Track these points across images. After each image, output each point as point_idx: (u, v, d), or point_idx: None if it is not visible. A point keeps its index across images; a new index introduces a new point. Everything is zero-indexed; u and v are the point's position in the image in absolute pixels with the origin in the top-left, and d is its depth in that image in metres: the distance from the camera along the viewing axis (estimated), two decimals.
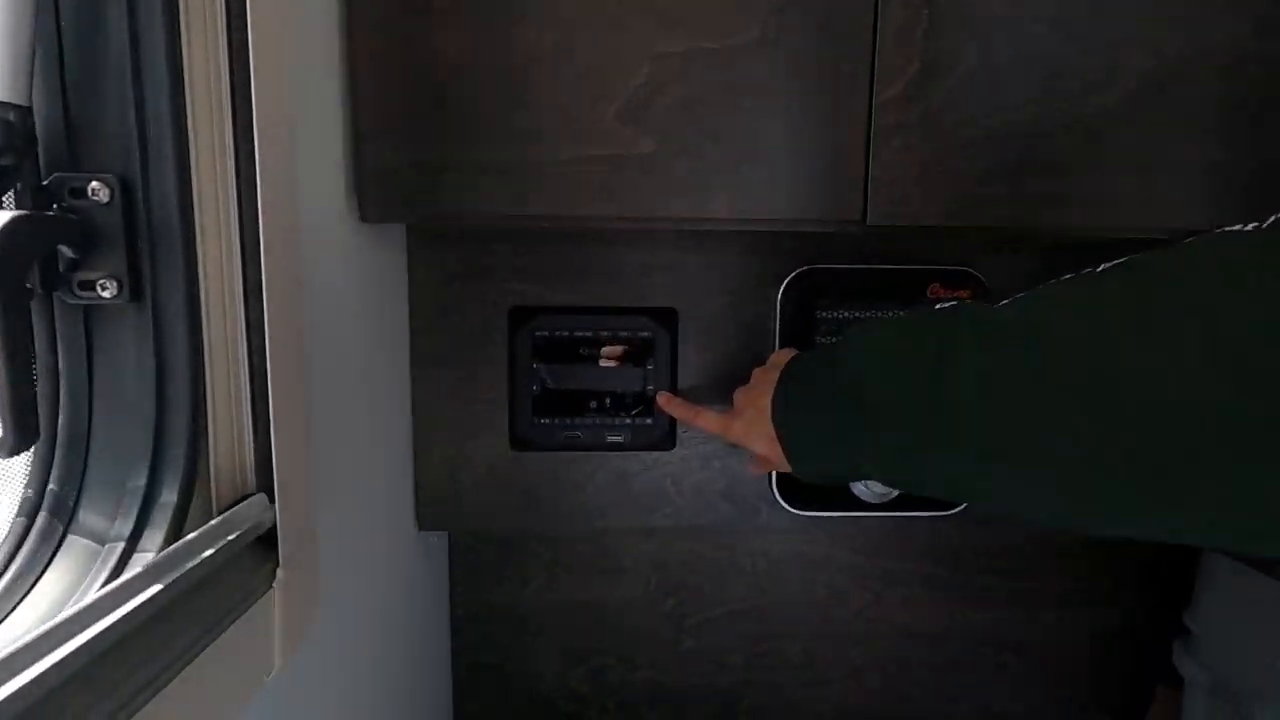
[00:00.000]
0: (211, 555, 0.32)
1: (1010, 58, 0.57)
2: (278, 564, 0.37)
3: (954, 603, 0.96)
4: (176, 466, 0.34)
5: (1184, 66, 0.58)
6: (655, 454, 0.77)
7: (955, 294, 0.75)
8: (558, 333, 0.74)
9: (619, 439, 0.76)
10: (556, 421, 0.75)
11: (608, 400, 0.75)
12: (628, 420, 0.76)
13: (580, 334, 0.74)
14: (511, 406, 0.75)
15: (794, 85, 0.57)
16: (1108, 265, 0.39)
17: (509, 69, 0.56)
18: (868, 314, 0.77)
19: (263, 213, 0.35)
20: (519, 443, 0.75)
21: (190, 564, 0.32)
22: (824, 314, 0.76)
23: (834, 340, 0.52)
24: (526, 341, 0.74)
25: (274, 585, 0.36)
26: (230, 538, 0.34)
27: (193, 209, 0.34)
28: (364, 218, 0.59)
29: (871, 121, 0.58)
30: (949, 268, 0.76)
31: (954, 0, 0.56)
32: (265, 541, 0.38)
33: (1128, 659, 0.98)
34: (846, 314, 0.76)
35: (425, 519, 0.76)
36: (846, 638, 0.96)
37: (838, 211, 0.59)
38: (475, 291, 0.74)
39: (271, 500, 0.37)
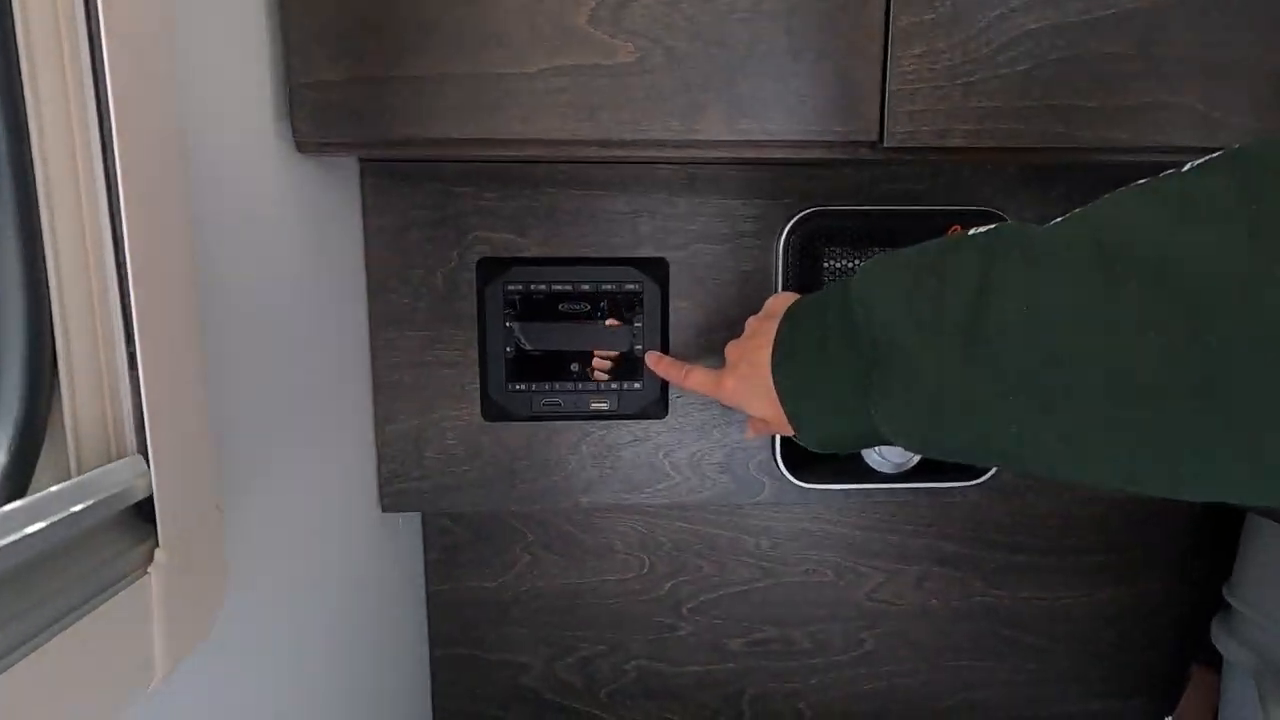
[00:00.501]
0: (49, 527, 0.24)
1: None
2: (156, 543, 0.29)
3: (972, 580, 0.88)
4: (8, 416, 0.26)
5: None
6: (645, 423, 0.69)
7: None
8: (533, 287, 0.66)
9: (604, 406, 0.68)
10: (534, 387, 0.67)
11: (592, 362, 0.67)
12: (614, 385, 0.68)
13: (559, 288, 0.66)
14: (483, 371, 0.67)
15: None
16: (1195, 163, 0.31)
17: None
18: None
19: (118, 127, 0.27)
20: (492, 412, 0.67)
21: (26, 531, 0.24)
22: (832, 262, 0.68)
23: (844, 279, 0.44)
24: (498, 297, 0.66)
25: (150, 569, 0.29)
26: (86, 504, 0.26)
27: (23, 119, 0.26)
28: (299, 147, 0.51)
29: (889, 23, 0.49)
30: (971, 207, 0.67)
31: None
32: (145, 514, 0.30)
33: (1161, 638, 0.91)
34: (856, 262, 0.68)
35: (389, 499, 0.68)
36: (857, 620, 0.89)
37: (850, 131, 0.50)
38: (440, 241, 0.66)
39: (149, 463, 0.29)
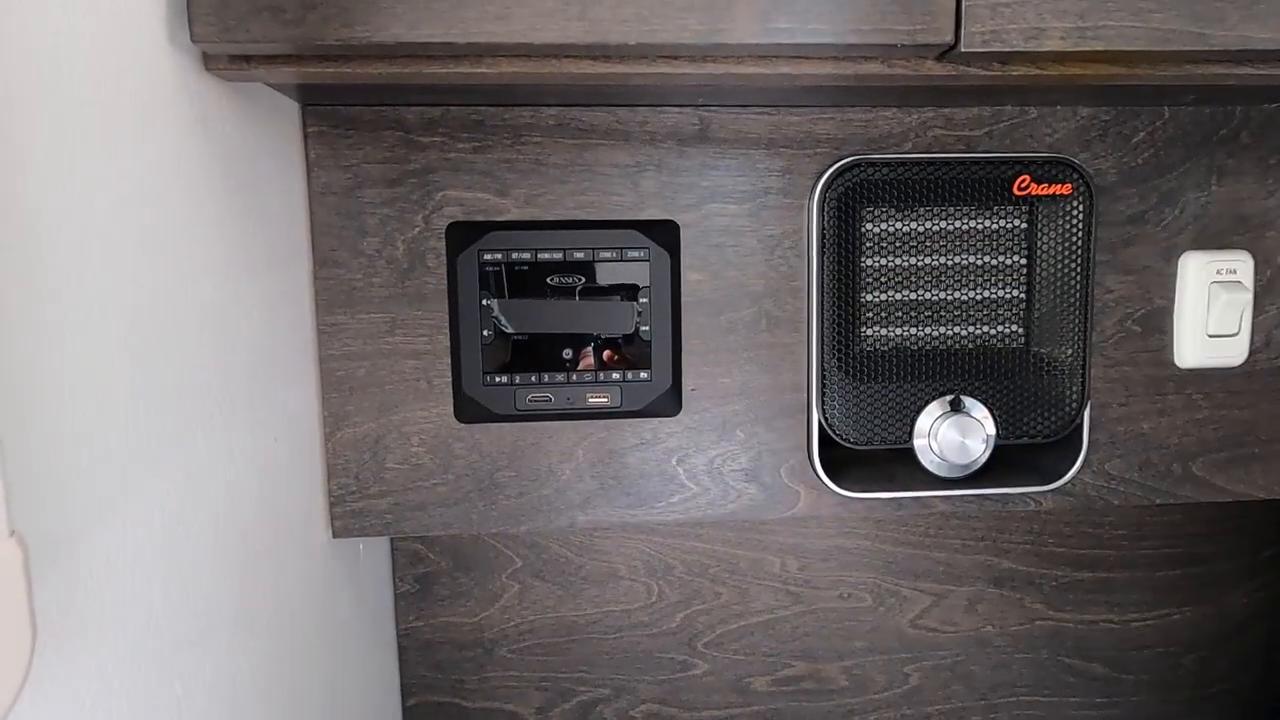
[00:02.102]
0: None
1: None
2: None
3: (1032, 602, 0.76)
4: None
5: None
6: (655, 421, 0.57)
7: (1051, 189, 0.56)
8: (515, 256, 0.54)
9: (605, 401, 0.56)
10: (518, 380, 0.55)
11: (588, 348, 0.55)
12: (616, 376, 0.56)
13: (546, 257, 0.54)
14: (455, 361, 0.55)
15: None
16: None
17: None
18: (934, 224, 0.57)
19: None
20: (468, 411, 0.55)
21: None
22: (875, 225, 0.57)
23: None
24: (473, 269, 0.54)
25: None
26: None
27: None
28: (206, 62, 0.39)
29: None
30: (1041, 155, 0.56)
31: None
32: None
33: (1249, 664, 0.79)
34: (907, 225, 0.57)
35: (340, 522, 0.55)
36: (900, 652, 0.76)
37: (918, 31, 0.39)
38: (401, 202, 0.54)
39: None
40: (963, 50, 0.40)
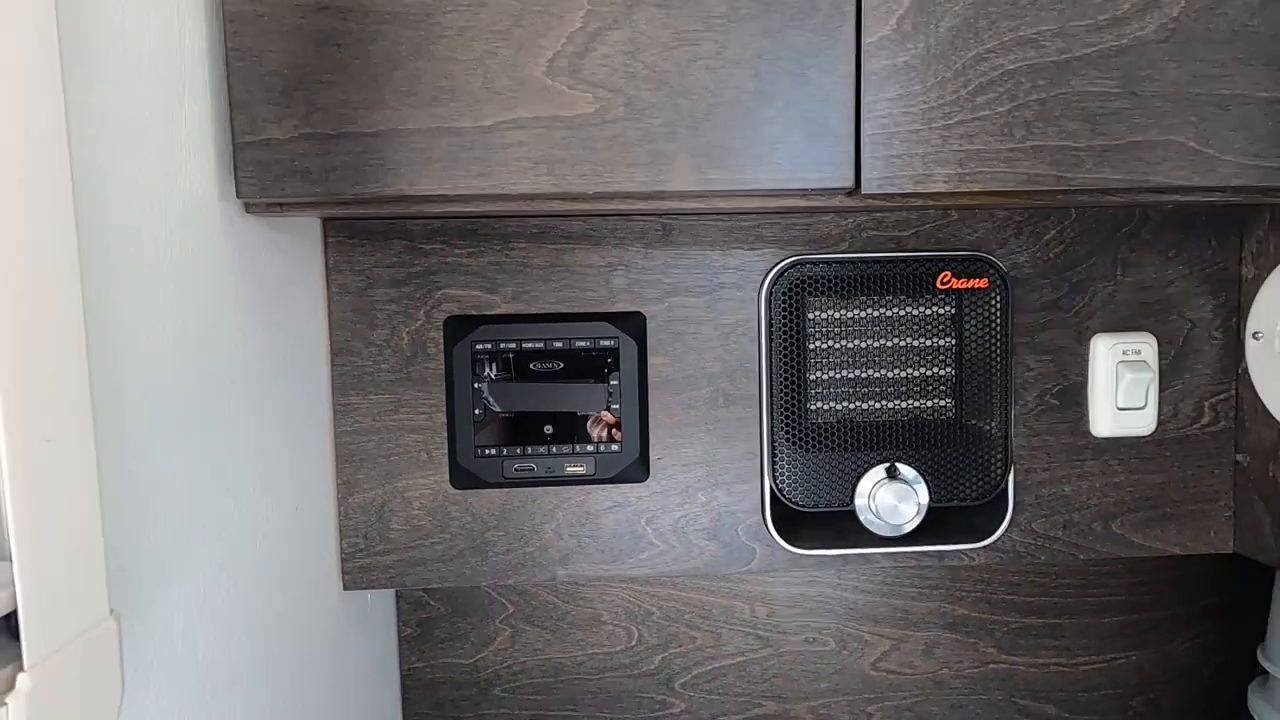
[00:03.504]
0: None
1: None
2: (21, 667, 0.25)
3: (985, 646, 0.82)
4: None
5: None
6: (625, 487, 0.65)
7: (969, 283, 0.64)
8: (503, 345, 0.63)
9: (581, 470, 0.64)
10: (505, 452, 0.63)
11: (566, 425, 0.64)
12: (590, 448, 0.64)
13: (530, 346, 0.63)
14: (451, 436, 0.63)
15: (762, 26, 0.46)
16: None
17: (416, 17, 0.46)
18: (868, 312, 0.65)
19: None
20: (461, 479, 0.63)
21: None
22: (817, 313, 0.65)
23: None
24: (466, 357, 0.63)
25: (8, 699, 0.24)
26: None
27: None
28: (247, 208, 0.49)
29: (860, 67, 0.47)
30: (961, 253, 0.65)
31: None
32: (12, 631, 0.26)
33: (1193, 705, 0.84)
34: (845, 313, 0.65)
35: (350, 576, 0.63)
36: (863, 693, 0.82)
37: (825, 178, 0.48)
38: (405, 300, 0.63)
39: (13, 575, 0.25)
40: (863, 193, 0.48)
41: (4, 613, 0.25)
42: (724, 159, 0.47)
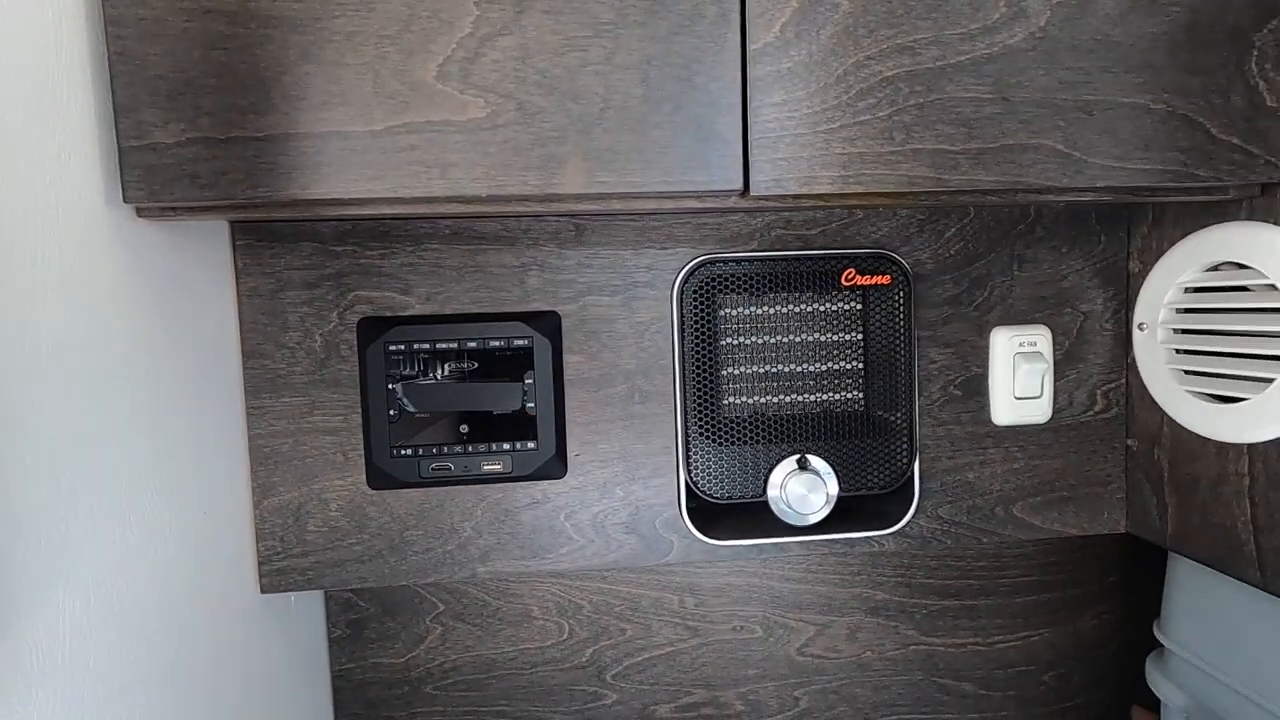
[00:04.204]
0: None
1: None
2: None
3: (906, 629, 0.86)
4: None
5: None
6: (543, 483, 0.66)
7: (873, 280, 0.67)
8: (417, 346, 0.63)
9: (498, 468, 0.65)
10: (421, 451, 0.64)
11: (482, 424, 0.64)
12: (507, 446, 0.65)
13: (443, 346, 0.64)
14: (366, 437, 0.64)
15: (649, 31, 0.48)
16: None
17: (304, 20, 0.46)
18: (778, 309, 0.67)
19: None
20: (378, 479, 0.64)
21: None
22: (729, 310, 0.67)
23: None
24: (380, 358, 0.63)
25: None
26: None
27: None
28: (139, 212, 0.48)
29: (745, 72, 0.49)
30: (865, 250, 0.67)
31: None
32: None
33: (1101, 678, 0.89)
34: (754, 309, 0.67)
35: (267, 579, 0.63)
36: (790, 678, 0.85)
37: (714, 181, 0.49)
38: (317, 302, 0.63)
39: None
40: (752, 194, 0.50)
41: None
42: (614, 162, 0.48)
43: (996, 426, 0.70)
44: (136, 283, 0.49)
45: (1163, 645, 0.77)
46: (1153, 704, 0.83)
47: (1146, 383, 0.68)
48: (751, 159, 0.49)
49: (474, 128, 0.47)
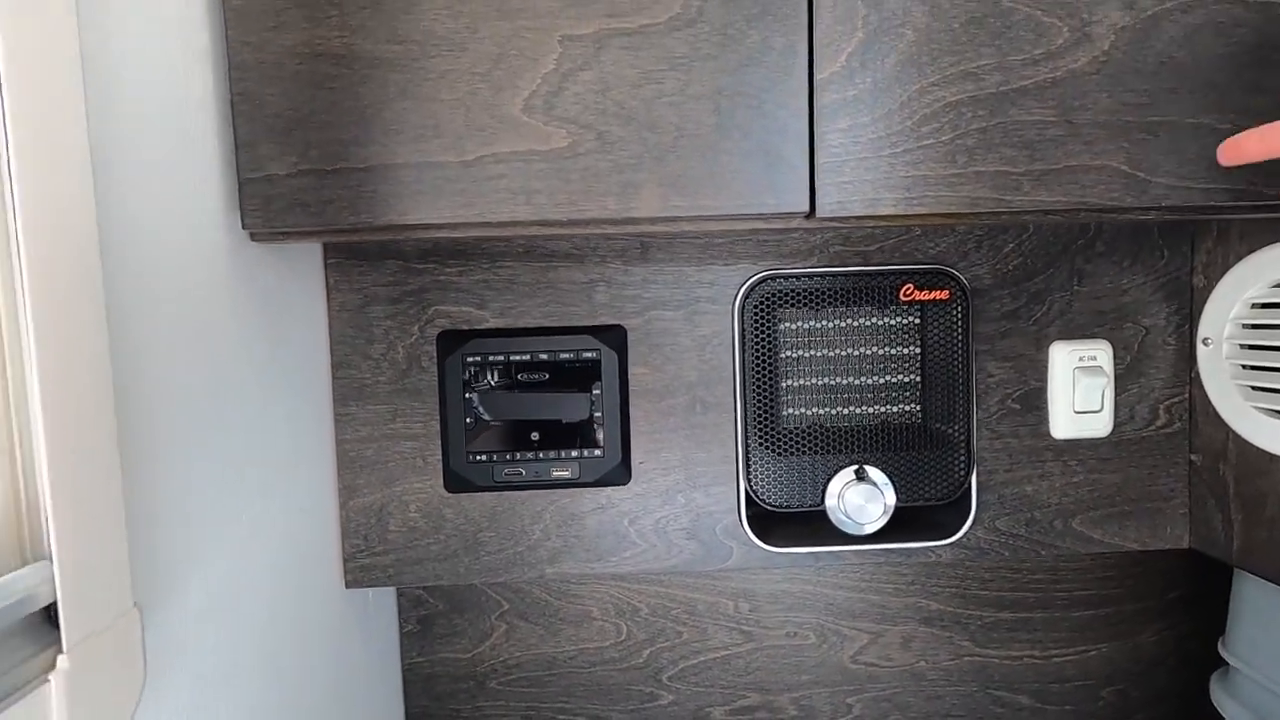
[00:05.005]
0: None
1: (967, 18, 0.51)
2: (60, 650, 0.29)
3: (960, 640, 0.86)
4: None
5: (1161, 19, 0.51)
6: (609, 490, 0.69)
7: (932, 295, 0.68)
8: (492, 358, 0.67)
9: (566, 474, 0.68)
10: (495, 457, 0.68)
11: (552, 432, 0.68)
12: (575, 453, 0.68)
13: (516, 358, 0.67)
14: (444, 443, 0.67)
15: (721, 64, 0.50)
16: None
17: (403, 61, 0.50)
18: (836, 323, 0.69)
19: (22, 227, 0.29)
20: (454, 483, 0.68)
21: None
22: (788, 324, 0.69)
23: None
24: (458, 369, 0.67)
25: (51, 676, 0.29)
26: None
27: None
28: (252, 236, 0.53)
29: (813, 100, 0.51)
30: (924, 266, 0.68)
31: None
32: (52, 619, 0.30)
33: (1163, 695, 0.88)
34: (813, 323, 0.69)
35: (351, 575, 0.68)
36: (843, 685, 0.86)
37: (782, 204, 0.52)
38: (400, 316, 0.67)
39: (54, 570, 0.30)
40: (818, 216, 0.52)
41: (45, 604, 0.29)
42: (688, 187, 0.51)
43: (1056, 440, 0.71)
44: (247, 299, 0.54)
45: (1228, 663, 0.76)
46: None
47: (1211, 398, 0.68)
48: (817, 183, 0.52)
49: (557, 156, 0.51)
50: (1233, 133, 0.51)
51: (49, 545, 0.29)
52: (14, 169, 0.29)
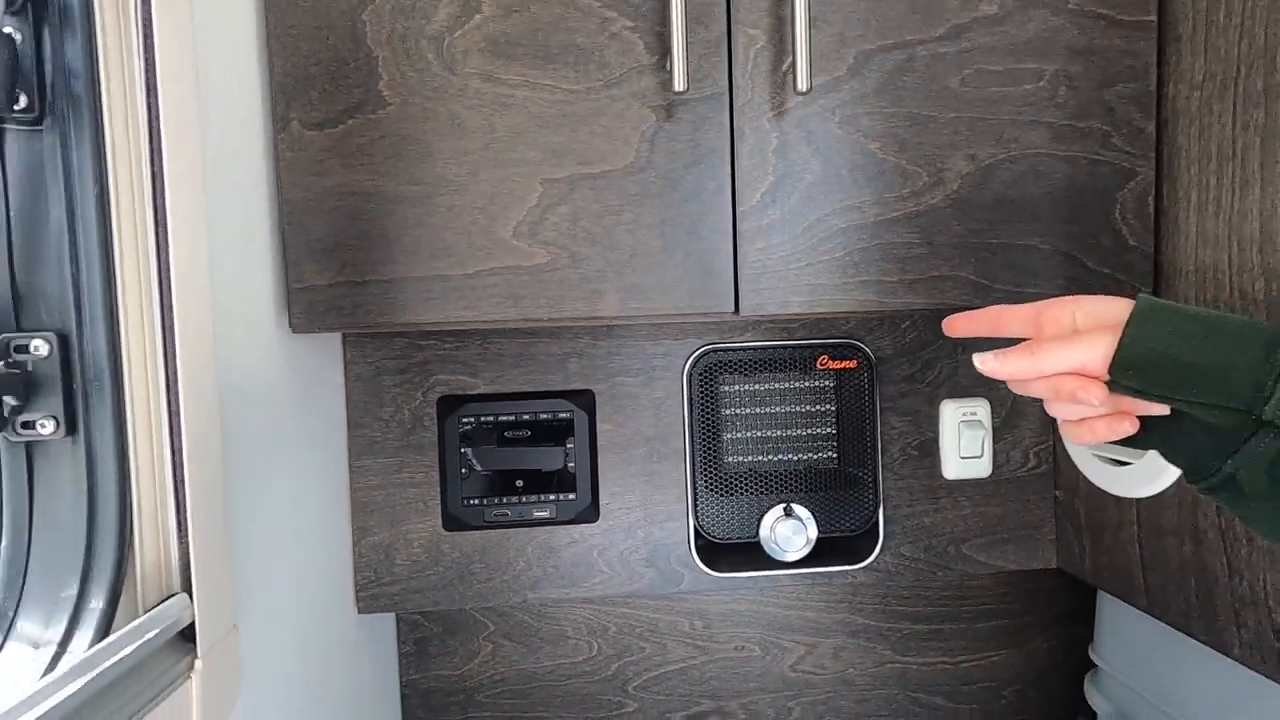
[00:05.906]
0: (133, 651, 0.38)
1: (850, 167, 0.67)
2: (196, 656, 0.42)
3: (883, 649, 1.01)
4: (104, 577, 0.39)
5: (995, 167, 0.68)
6: (581, 527, 0.83)
7: (843, 364, 0.84)
8: (483, 419, 0.81)
9: (545, 514, 0.82)
10: (485, 501, 0.81)
11: (533, 479, 0.82)
12: (553, 497, 0.82)
13: (504, 418, 0.81)
14: (443, 489, 0.81)
15: (665, 200, 0.66)
16: None
17: (419, 198, 0.64)
18: (767, 386, 0.84)
19: (180, 356, 0.42)
20: (451, 523, 0.81)
21: (112, 660, 0.37)
22: (728, 387, 0.84)
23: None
24: (455, 428, 0.81)
25: (192, 675, 0.42)
26: (150, 635, 0.39)
27: (120, 355, 0.41)
28: (294, 329, 0.67)
29: (736, 227, 0.67)
30: (836, 340, 0.84)
31: (799, 125, 0.66)
32: (187, 636, 0.43)
33: (1054, 695, 1.03)
34: (748, 387, 0.84)
35: (363, 602, 0.80)
36: (784, 691, 1.00)
37: (714, 305, 0.67)
38: (406, 384, 0.81)
39: (193, 599, 0.43)
40: (741, 314, 0.68)
41: (186, 625, 0.42)
42: (641, 294, 0.66)
43: (947, 480, 0.87)
44: (290, 376, 0.67)
45: (1096, 665, 0.92)
46: (1092, 717, 0.97)
47: (1067, 446, 0.84)
48: (741, 289, 0.67)
49: (538, 271, 0.65)
50: (1051, 252, 0.68)
51: (190, 582, 0.42)
52: (174, 288, 0.43)
